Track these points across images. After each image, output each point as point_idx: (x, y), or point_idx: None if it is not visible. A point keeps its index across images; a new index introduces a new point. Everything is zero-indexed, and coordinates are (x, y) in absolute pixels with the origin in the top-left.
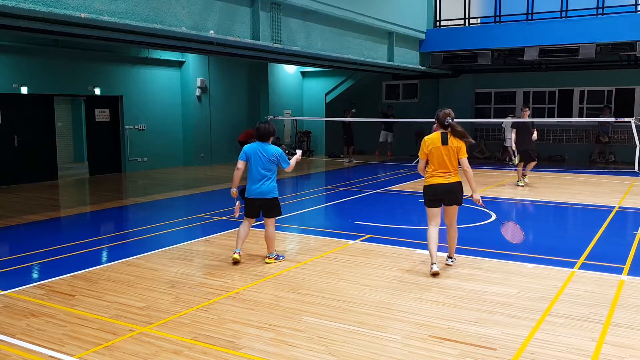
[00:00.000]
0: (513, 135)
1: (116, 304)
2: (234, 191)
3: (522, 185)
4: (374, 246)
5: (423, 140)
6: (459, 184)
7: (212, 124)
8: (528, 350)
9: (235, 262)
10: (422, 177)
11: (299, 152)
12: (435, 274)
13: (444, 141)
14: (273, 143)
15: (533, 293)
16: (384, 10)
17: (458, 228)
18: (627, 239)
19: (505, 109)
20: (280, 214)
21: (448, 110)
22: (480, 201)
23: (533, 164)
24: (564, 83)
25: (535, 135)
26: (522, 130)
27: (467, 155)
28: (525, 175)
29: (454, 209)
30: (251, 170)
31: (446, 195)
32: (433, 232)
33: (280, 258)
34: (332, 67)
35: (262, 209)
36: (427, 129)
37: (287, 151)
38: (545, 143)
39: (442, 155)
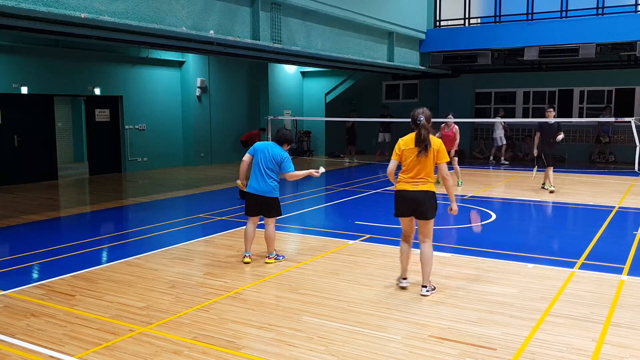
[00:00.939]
0: (537, 140)
1: (116, 304)
2: (239, 182)
3: (551, 190)
4: (374, 246)
5: (398, 140)
6: (429, 194)
7: (212, 124)
8: (528, 350)
9: (246, 263)
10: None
11: (322, 169)
12: (403, 289)
13: (418, 142)
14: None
15: (533, 293)
16: (384, 10)
17: (457, 228)
18: (627, 239)
19: (505, 109)
20: (280, 214)
21: (421, 110)
22: (456, 209)
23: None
24: (564, 83)
25: (561, 136)
26: (548, 131)
27: (447, 160)
28: (545, 180)
29: (424, 223)
30: (255, 166)
31: (412, 205)
32: (402, 246)
33: (281, 258)
34: (332, 67)
35: (262, 207)
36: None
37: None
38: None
39: (414, 159)
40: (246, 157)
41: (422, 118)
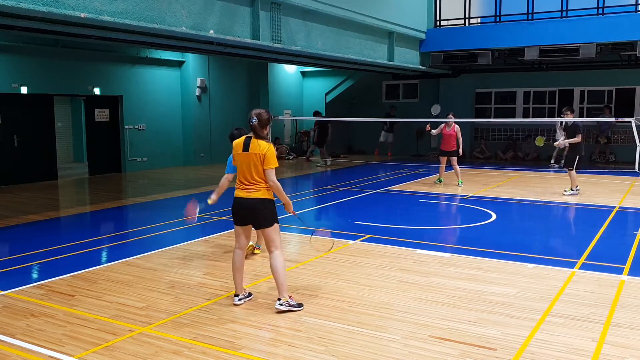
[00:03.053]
0: (575, 140)
1: (116, 304)
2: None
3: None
4: (374, 246)
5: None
6: (262, 201)
7: (212, 124)
8: (528, 350)
9: (255, 254)
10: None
11: None
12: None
13: (246, 147)
14: (275, 142)
15: (533, 293)
16: (384, 10)
17: (456, 228)
18: (627, 239)
19: (505, 109)
20: None
21: (258, 111)
22: (293, 211)
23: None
24: (564, 83)
25: (578, 139)
26: (570, 133)
27: (275, 166)
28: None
29: (264, 232)
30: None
31: (247, 213)
32: (235, 257)
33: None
34: (332, 67)
35: None
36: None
37: (287, 151)
38: (545, 143)
39: (243, 164)
40: (230, 176)
41: (255, 120)
